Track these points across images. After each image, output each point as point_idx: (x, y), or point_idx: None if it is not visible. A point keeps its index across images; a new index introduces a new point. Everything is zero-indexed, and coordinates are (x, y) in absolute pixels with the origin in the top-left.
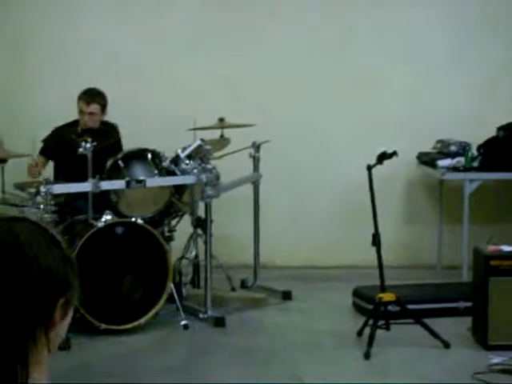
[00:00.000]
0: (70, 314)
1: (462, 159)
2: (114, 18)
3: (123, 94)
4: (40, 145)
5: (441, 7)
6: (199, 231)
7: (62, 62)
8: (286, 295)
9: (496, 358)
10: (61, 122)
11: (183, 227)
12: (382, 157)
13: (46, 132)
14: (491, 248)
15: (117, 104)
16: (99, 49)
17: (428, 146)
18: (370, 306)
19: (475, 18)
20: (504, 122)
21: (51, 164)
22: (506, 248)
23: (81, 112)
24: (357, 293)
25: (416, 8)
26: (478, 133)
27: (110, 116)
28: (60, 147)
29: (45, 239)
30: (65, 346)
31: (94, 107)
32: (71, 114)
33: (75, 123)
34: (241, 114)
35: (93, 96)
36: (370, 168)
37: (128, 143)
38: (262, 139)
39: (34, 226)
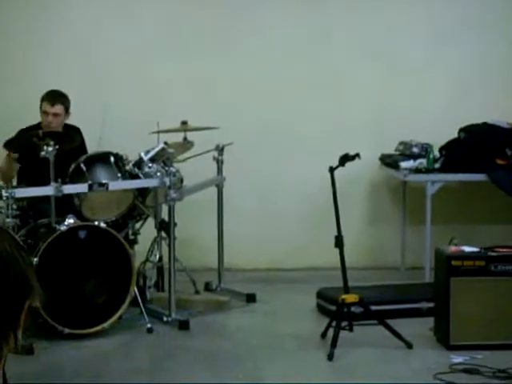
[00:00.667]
0: (29, 316)
1: (424, 161)
2: (81, 18)
3: (86, 96)
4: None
5: (413, 8)
6: (163, 234)
7: (26, 63)
8: (250, 298)
9: (458, 358)
10: (26, 124)
11: (147, 230)
12: (345, 159)
13: (7, 135)
14: (452, 249)
15: (80, 106)
16: (65, 48)
17: (391, 148)
18: (334, 308)
19: (446, 21)
20: (465, 123)
21: None
22: (467, 248)
23: (44, 113)
24: (320, 294)
25: (387, 13)
26: (440, 134)
27: (73, 118)
28: (22, 150)
29: (11, 243)
30: (28, 351)
31: (59, 108)
32: (36, 116)
33: (38, 126)
34: (205, 117)
35: (57, 97)
36: (332, 170)
37: (91, 146)
38: (226, 142)
39: (2, 232)
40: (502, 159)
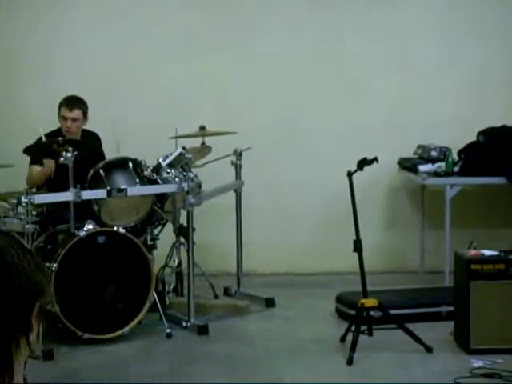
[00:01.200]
0: (43, 319)
1: (442, 164)
2: (97, 27)
3: (105, 103)
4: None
5: (426, 13)
6: (182, 239)
7: (46, 72)
8: (270, 302)
9: (478, 362)
10: (44, 130)
11: (166, 235)
12: (363, 163)
13: (26, 142)
14: (472, 252)
15: (98, 112)
16: (82, 58)
17: (409, 152)
18: (353, 312)
19: (461, 24)
20: (484, 126)
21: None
22: (487, 252)
23: (63, 118)
24: (340, 299)
25: (401, 14)
26: (459, 138)
27: (92, 124)
28: (42, 157)
29: (18, 247)
30: (48, 356)
31: (77, 113)
32: (56, 125)
33: (58, 132)
34: (223, 122)
35: (75, 102)
36: (350, 174)
37: (109, 152)
38: (244, 146)
39: (5, 236)
40: None
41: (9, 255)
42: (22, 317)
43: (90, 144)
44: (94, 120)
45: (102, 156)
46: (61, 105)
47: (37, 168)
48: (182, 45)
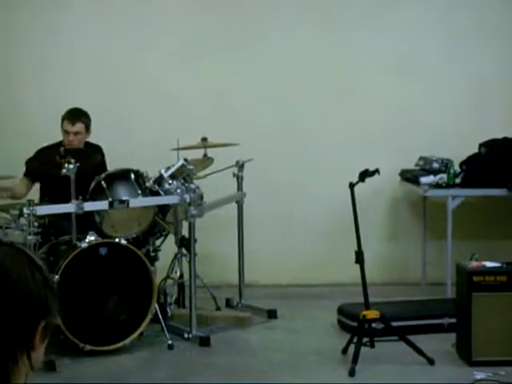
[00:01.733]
0: (49, 336)
1: (444, 176)
2: (98, 34)
3: (106, 113)
4: (23, 166)
5: (427, 20)
6: (183, 251)
7: (45, 80)
8: (271, 314)
9: (480, 374)
10: (45, 143)
11: (168, 247)
12: (364, 174)
13: (29, 153)
14: (474, 264)
15: (100, 123)
16: (83, 67)
17: (411, 163)
18: (355, 324)
19: (463, 32)
20: (486, 138)
21: (37, 186)
22: (489, 264)
23: (66, 132)
24: (341, 310)
25: (402, 22)
26: (461, 149)
27: (94, 136)
28: (43, 169)
29: (27, 263)
30: (49, 367)
31: (79, 126)
32: (56, 135)
33: (60, 144)
34: (224, 133)
35: (78, 115)
36: (352, 186)
37: (111, 163)
38: (246, 157)
39: (16, 251)
40: None
41: (14, 271)
42: (23, 335)
43: (91, 155)
44: (95, 132)
45: (104, 168)
46: (63, 118)
47: (23, 182)
48: (183, 56)
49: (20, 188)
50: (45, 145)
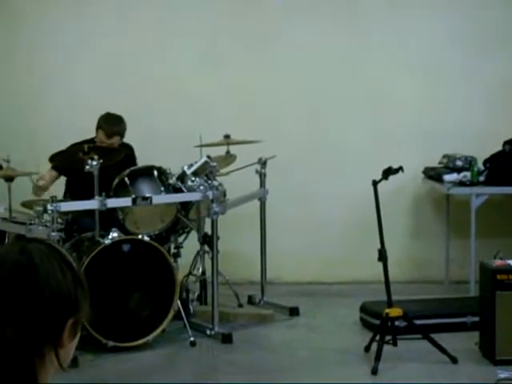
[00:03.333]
0: (79, 333)
1: (468, 174)
2: (121, 33)
3: (129, 111)
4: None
5: (451, 20)
6: (206, 248)
7: (69, 79)
8: (294, 311)
9: (504, 373)
10: (68, 139)
11: (190, 244)
12: (388, 172)
13: (53, 149)
14: (498, 262)
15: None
16: (106, 65)
17: (434, 161)
18: (377, 322)
19: (487, 31)
20: (510, 136)
21: (59, 182)
22: (508, 262)
23: (99, 140)
24: (364, 308)
25: (427, 22)
26: (485, 147)
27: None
28: (67, 164)
29: (56, 260)
30: (72, 363)
31: (115, 139)
32: (79, 133)
33: (91, 141)
34: (247, 130)
35: (113, 128)
36: (375, 183)
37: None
38: (269, 155)
39: (46, 247)
40: None
41: (43, 268)
42: (50, 330)
43: (116, 152)
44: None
45: (133, 165)
46: (100, 126)
47: (51, 173)
48: (207, 54)
49: (47, 178)
50: (77, 141)
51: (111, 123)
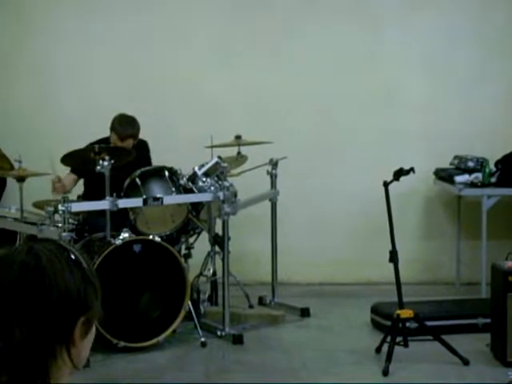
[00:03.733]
0: (92, 332)
1: (479, 175)
2: (133, 35)
3: (140, 111)
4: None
5: (464, 19)
6: (217, 248)
7: (82, 80)
8: (305, 312)
9: None
10: (80, 140)
11: (201, 244)
12: (399, 173)
13: (64, 150)
14: (509, 264)
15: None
16: (121, 67)
17: (445, 162)
18: (389, 323)
19: (497, 33)
20: None
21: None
22: None
23: (113, 143)
24: (375, 309)
25: (439, 22)
26: (496, 148)
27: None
28: (78, 165)
29: (65, 260)
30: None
31: (129, 142)
32: (91, 133)
33: (106, 140)
34: (258, 131)
35: (127, 131)
36: (386, 184)
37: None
38: (280, 156)
39: (55, 247)
40: None
41: (51, 267)
42: (60, 329)
43: (127, 152)
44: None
45: (149, 163)
46: (114, 128)
47: (70, 177)
48: (220, 54)
49: (67, 181)
50: (93, 140)
51: (125, 126)
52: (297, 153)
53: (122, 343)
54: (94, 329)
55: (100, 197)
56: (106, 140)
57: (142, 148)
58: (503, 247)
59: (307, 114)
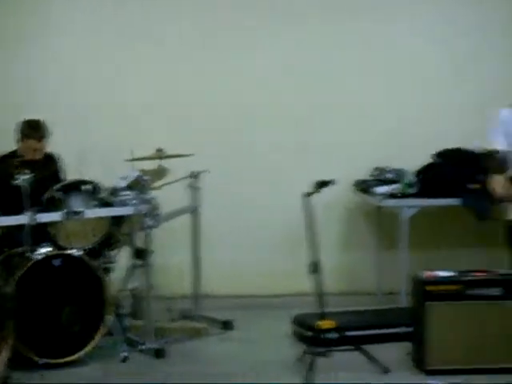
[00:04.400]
0: (6, 350)
1: (398, 186)
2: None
3: (61, 125)
4: None
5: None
6: (139, 262)
7: None
8: (227, 325)
9: (434, 382)
10: None
11: (123, 258)
12: (320, 185)
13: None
14: (428, 273)
15: (55, 134)
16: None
17: (366, 174)
18: (310, 334)
19: (427, 43)
20: (441, 148)
21: None
22: (443, 273)
23: (29, 148)
24: (296, 321)
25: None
26: (416, 159)
27: (49, 147)
28: None
29: None
30: (4, 381)
31: (45, 141)
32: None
33: (14, 155)
34: (180, 144)
35: (41, 131)
36: (306, 196)
37: (67, 174)
38: (202, 168)
39: None
40: (473, 184)
41: None
42: None
43: (46, 165)
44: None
45: (59, 177)
46: (28, 136)
47: None
48: (136, 67)
49: None
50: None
51: (35, 127)
52: (220, 165)
53: (44, 360)
54: (7, 349)
55: (14, 211)
56: (14, 153)
57: (53, 161)
58: (423, 257)
59: (229, 128)
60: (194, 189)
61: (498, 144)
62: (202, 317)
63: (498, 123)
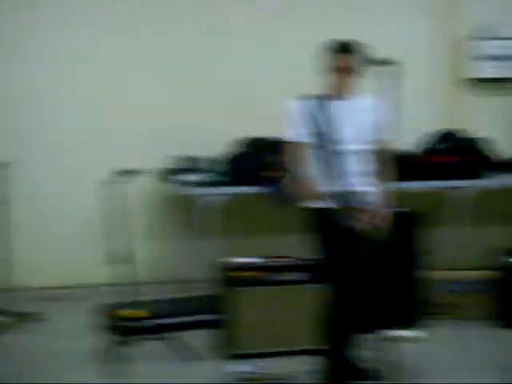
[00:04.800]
0: None
1: (206, 175)
2: None
3: None
4: None
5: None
6: None
7: None
8: (32, 317)
9: (241, 367)
10: None
11: None
12: (123, 174)
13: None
14: (232, 260)
15: None
16: None
17: (172, 162)
18: (115, 323)
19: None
20: (251, 135)
21: None
22: (246, 259)
23: None
24: (101, 310)
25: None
26: (223, 148)
27: None
28: None
29: None
30: None
31: None
32: None
33: None
34: None
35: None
36: (109, 185)
37: None
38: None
39: None
40: (268, 172)
41: None
42: None
43: None
44: None
45: None
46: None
47: None
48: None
49: None
50: None
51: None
52: (25, 155)
53: None
54: None
55: None
56: None
57: None
58: (234, 245)
59: (39, 116)
60: (3, 180)
61: (292, 136)
62: (4, 310)
63: (293, 115)
